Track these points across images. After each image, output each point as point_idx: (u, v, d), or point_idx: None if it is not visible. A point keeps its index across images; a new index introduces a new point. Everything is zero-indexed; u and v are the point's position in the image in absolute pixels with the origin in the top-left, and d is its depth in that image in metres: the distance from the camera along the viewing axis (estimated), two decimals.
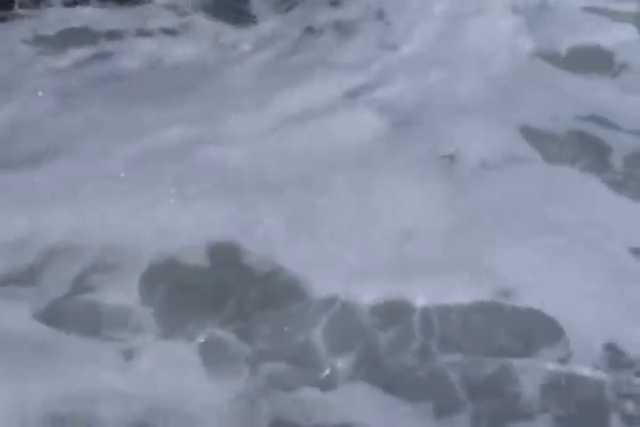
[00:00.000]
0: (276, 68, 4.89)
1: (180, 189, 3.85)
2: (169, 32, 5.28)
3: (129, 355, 3.23)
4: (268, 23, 5.39)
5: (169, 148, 4.06)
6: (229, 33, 5.33)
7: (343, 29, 5.26)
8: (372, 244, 3.73)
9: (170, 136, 4.14)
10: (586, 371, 3.23)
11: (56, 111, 4.34)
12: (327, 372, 3.25)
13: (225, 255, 3.63)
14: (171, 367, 3.21)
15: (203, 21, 5.44)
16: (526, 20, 5.25)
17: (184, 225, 3.71)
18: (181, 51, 5.06)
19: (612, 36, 5.09)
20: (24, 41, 5.14)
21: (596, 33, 5.12)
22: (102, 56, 4.97)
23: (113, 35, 5.18)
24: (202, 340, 3.32)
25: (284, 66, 4.91)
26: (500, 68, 4.83)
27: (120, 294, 3.41)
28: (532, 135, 4.35)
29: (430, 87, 4.64)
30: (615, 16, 5.27)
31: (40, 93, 4.47)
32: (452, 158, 4.21)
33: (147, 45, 5.07)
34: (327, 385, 3.21)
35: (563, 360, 3.26)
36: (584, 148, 4.29)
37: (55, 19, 5.34)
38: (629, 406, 3.10)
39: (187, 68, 4.86)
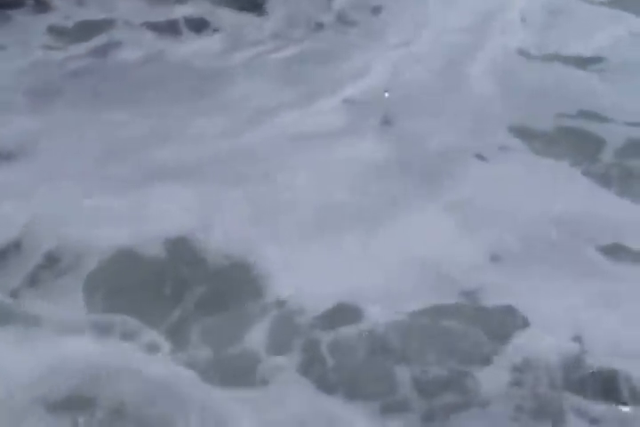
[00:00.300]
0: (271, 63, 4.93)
1: (141, 184, 3.90)
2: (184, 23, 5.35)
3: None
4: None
5: (134, 145, 4.11)
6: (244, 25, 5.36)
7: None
8: (335, 241, 3.71)
9: (136, 133, 4.20)
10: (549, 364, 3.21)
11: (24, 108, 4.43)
12: (265, 371, 3.25)
13: (182, 251, 3.66)
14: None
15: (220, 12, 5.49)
16: (520, 16, 5.28)
17: (143, 220, 3.75)
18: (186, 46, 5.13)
19: (604, 32, 5.14)
20: (46, 30, 5.29)
21: (586, 29, 5.17)
22: (105, 47, 5.08)
23: (123, 25, 5.28)
24: (149, 335, 3.33)
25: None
26: (492, 65, 4.86)
27: (68, 289, 3.47)
28: (523, 130, 4.36)
29: (422, 83, 4.67)
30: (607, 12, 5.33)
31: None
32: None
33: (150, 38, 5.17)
34: (264, 383, 3.21)
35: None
36: (573, 142, 4.31)
37: (75, 9, 5.49)
38: (590, 399, 3.09)
39: (183, 64, 4.93)
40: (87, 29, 5.27)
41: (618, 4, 5.50)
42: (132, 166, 4.01)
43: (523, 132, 4.37)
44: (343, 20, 5.37)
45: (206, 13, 5.45)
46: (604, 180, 4.09)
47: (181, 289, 3.51)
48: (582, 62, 4.95)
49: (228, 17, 5.43)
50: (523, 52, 5.03)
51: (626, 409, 3.05)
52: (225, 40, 5.16)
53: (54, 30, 5.29)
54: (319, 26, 5.34)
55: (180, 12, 5.43)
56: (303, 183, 3.98)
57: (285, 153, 4.16)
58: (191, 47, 5.10)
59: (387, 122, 4.44)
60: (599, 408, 3.05)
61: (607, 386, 3.12)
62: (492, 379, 3.13)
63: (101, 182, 3.93)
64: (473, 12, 5.43)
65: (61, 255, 3.59)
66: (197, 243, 3.69)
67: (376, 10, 5.48)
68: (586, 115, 4.49)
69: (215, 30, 5.30)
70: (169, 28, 5.31)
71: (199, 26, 5.35)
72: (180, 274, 3.57)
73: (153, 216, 3.78)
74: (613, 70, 4.90)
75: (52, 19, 5.39)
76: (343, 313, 3.42)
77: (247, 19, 5.42)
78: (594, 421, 3.01)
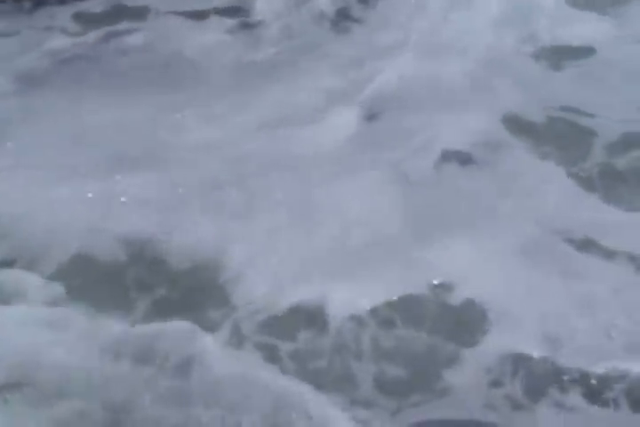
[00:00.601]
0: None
1: (109, 179, 3.70)
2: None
3: None
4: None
5: (102, 134, 3.94)
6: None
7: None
8: (309, 242, 3.53)
9: (106, 121, 4.01)
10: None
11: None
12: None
13: (150, 251, 3.49)
14: None
15: None
16: (508, 12, 5.12)
17: (111, 218, 3.57)
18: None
19: (589, 28, 5.02)
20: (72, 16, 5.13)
21: (575, 25, 5.05)
22: (117, 34, 4.90)
23: (149, 13, 5.08)
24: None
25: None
26: (482, 60, 4.72)
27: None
28: (511, 125, 4.26)
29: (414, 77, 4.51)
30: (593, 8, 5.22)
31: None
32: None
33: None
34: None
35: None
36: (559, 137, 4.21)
37: None
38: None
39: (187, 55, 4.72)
40: (113, 16, 5.11)
41: None
42: (97, 157, 3.84)
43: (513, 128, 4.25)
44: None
45: (242, 6, 5.19)
46: (589, 180, 3.96)
47: (147, 292, 3.36)
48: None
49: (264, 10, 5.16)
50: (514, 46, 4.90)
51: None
52: (246, 35, 4.93)
53: (81, 16, 5.14)
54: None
55: (215, 2, 5.21)
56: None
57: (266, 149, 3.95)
58: (206, 39, 4.88)
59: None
60: (570, 402, 2.99)
61: (576, 382, 3.04)
62: (460, 374, 3.06)
63: (61, 172, 3.76)
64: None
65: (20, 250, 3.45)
66: (160, 243, 3.51)
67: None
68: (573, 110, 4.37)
69: (244, 25, 5.04)
70: (195, 18, 5.08)
71: (229, 17, 5.08)
72: (145, 276, 3.42)
73: (114, 211, 3.61)
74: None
75: (83, 5, 5.23)
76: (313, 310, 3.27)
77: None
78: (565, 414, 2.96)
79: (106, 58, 4.65)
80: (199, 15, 5.04)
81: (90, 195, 3.63)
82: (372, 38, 4.84)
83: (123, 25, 4.94)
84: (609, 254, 3.51)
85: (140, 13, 5.07)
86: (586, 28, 5.01)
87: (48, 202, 3.59)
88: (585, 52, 4.83)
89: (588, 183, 3.90)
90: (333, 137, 4.01)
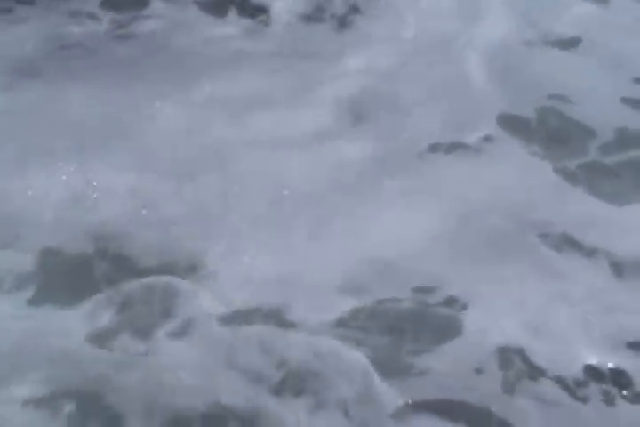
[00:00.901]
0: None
1: (82, 166, 3.74)
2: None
3: None
4: None
5: (83, 129, 3.97)
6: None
7: None
8: (277, 237, 3.53)
9: (90, 116, 4.04)
10: None
11: None
12: None
13: (119, 243, 3.49)
14: None
15: None
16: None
17: (78, 204, 3.62)
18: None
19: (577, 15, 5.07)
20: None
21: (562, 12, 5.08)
22: (132, 22, 4.94)
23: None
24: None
25: None
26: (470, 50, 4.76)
27: None
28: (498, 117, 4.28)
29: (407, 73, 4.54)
30: None
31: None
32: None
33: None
34: None
35: None
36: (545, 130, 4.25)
37: None
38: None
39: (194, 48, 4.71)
40: (138, 4, 5.14)
41: None
42: (74, 151, 3.86)
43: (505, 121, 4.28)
44: None
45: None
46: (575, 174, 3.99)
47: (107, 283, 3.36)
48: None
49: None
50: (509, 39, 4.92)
51: None
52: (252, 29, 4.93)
53: (107, 2, 5.19)
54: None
55: None
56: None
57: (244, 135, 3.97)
58: (219, 31, 4.91)
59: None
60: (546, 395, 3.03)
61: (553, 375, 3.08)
62: (436, 370, 3.07)
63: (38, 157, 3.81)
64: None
65: None
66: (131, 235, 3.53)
67: None
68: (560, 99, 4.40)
69: (260, 20, 5.03)
70: (215, 9, 5.10)
71: (250, 10, 5.10)
72: (107, 268, 3.43)
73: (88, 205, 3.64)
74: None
75: None
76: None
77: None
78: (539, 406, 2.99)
79: (109, 48, 4.68)
80: (219, 8, 5.04)
81: (64, 177, 3.68)
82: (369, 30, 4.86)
83: (144, 12, 4.97)
84: (587, 250, 3.55)
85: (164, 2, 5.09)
86: (573, 14, 5.07)
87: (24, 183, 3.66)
88: (571, 39, 4.88)
89: (572, 177, 3.93)
90: (313, 121, 4.06)
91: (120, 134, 3.94)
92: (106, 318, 3.20)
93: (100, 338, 3.13)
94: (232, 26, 4.91)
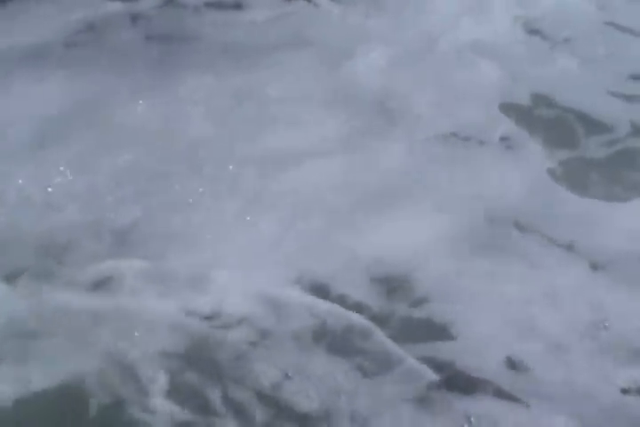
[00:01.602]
0: None
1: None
2: None
3: None
4: None
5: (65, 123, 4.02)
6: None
7: None
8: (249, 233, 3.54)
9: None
10: None
11: None
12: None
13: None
14: None
15: None
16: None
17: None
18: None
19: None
20: None
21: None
22: None
23: None
24: None
25: None
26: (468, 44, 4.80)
27: None
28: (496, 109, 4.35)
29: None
30: None
31: None
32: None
33: None
34: None
35: None
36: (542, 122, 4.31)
37: None
38: None
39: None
40: None
41: None
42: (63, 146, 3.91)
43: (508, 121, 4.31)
44: None
45: None
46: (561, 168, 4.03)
47: None
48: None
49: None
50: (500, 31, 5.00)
51: None
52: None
53: None
54: None
55: None
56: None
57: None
58: (229, 27, 4.91)
59: None
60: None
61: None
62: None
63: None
64: None
65: None
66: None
67: None
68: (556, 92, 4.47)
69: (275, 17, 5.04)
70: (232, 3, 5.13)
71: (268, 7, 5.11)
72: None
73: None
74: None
75: None
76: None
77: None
78: None
79: (105, 38, 4.73)
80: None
81: (20, 181, 3.68)
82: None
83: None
84: (568, 246, 3.56)
85: None
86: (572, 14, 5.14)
87: None
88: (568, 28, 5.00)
89: (558, 172, 3.97)
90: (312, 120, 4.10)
91: (97, 129, 3.97)
92: None
93: None
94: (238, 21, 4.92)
